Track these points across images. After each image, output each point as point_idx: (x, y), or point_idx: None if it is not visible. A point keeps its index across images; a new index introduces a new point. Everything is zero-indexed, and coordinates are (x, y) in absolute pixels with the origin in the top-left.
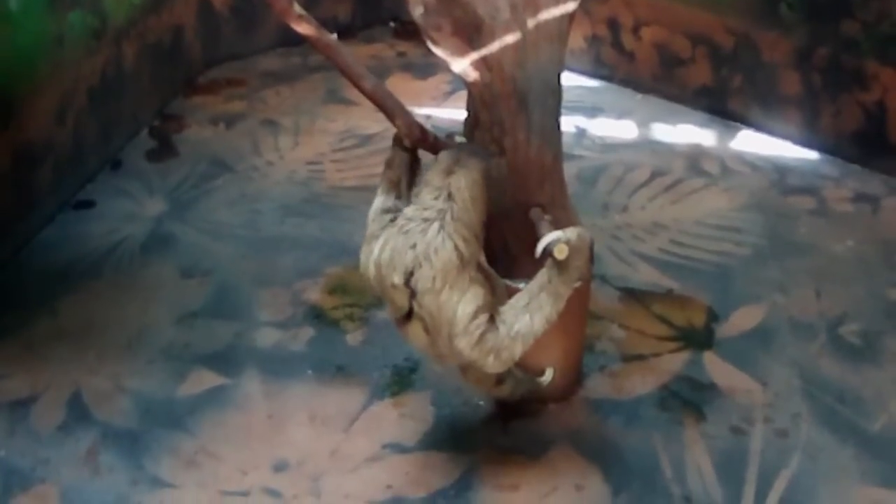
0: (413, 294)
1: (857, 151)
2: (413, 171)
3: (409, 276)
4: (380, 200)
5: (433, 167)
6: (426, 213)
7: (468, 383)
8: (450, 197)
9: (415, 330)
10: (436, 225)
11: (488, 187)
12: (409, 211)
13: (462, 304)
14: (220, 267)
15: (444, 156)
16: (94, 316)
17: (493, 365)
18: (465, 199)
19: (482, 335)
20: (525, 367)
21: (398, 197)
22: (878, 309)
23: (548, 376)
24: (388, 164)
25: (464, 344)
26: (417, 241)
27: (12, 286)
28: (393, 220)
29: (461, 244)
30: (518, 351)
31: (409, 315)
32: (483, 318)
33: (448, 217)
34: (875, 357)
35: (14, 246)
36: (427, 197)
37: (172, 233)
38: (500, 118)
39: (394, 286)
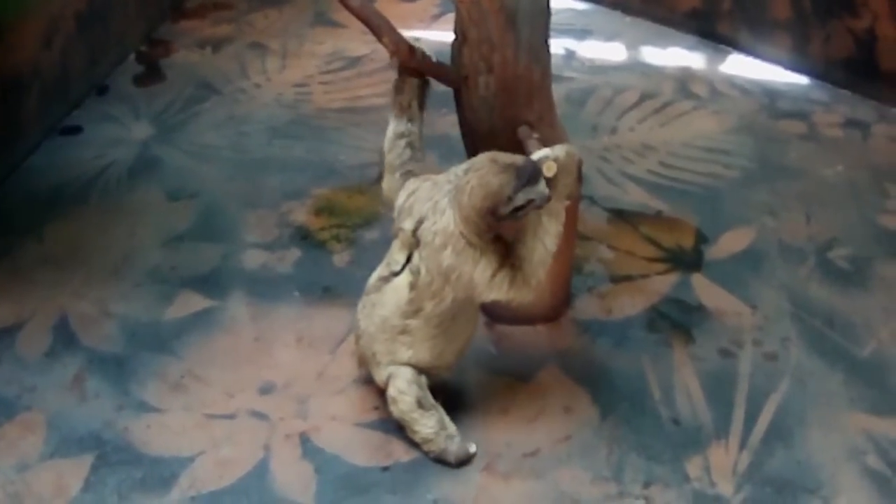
0: (417, 244)
1: (848, 77)
2: (423, 92)
3: (418, 225)
4: (392, 126)
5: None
6: (451, 179)
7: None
8: (458, 190)
9: (399, 284)
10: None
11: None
12: (453, 169)
13: (478, 272)
14: (206, 189)
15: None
16: (81, 241)
17: (525, 295)
18: (462, 200)
19: (511, 281)
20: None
21: (410, 120)
22: (868, 234)
23: (472, 449)
24: (398, 89)
25: (495, 295)
26: (438, 197)
27: None
28: (410, 146)
29: (463, 228)
30: (542, 274)
31: (397, 273)
32: (504, 272)
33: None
34: (864, 282)
35: (0, 172)
36: (459, 169)
37: (159, 156)
38: (489, 35)
39: (402, 230)
